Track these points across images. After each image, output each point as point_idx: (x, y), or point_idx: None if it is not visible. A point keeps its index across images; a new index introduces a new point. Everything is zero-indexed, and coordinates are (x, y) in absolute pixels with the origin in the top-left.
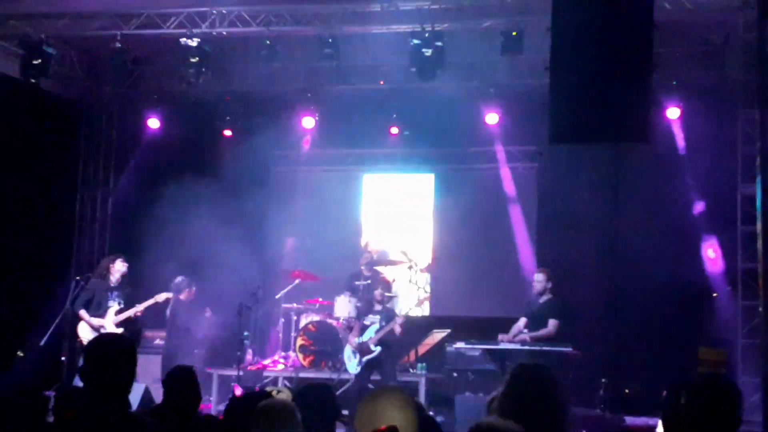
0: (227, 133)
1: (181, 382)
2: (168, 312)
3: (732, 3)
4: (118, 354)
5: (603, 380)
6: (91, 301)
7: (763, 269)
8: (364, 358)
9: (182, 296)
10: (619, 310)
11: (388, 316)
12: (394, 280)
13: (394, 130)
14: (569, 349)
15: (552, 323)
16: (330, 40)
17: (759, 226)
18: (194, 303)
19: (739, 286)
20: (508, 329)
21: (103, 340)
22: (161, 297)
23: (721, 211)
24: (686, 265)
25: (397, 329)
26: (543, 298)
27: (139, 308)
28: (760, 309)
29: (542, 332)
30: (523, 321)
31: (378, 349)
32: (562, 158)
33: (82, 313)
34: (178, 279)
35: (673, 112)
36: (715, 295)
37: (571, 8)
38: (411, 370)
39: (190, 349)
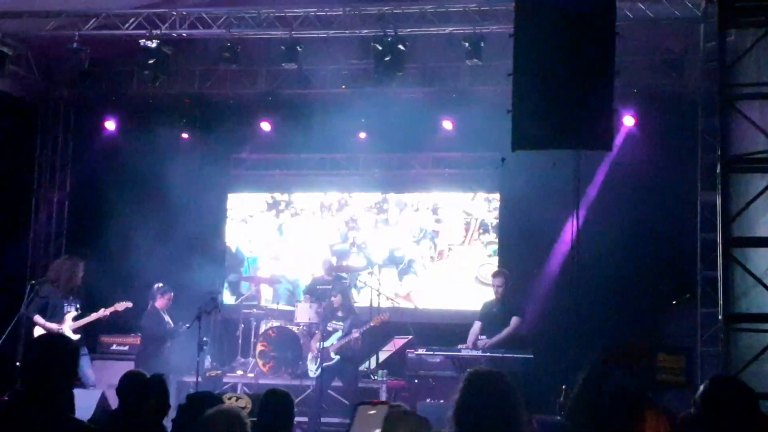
0: (184, 135)
1: (134, 387)
2: (142, 319)
3: (692, 13)
4: (58, 355)
5: (563, 387)
6: (47, 307)
7: (722, 277)
8: (324, 365)
9: (157, 303)
10: (580, 316)
11: (352, 324)
12: (355, 286)
13: (362, 135)
14: (530, 356)
15: (515, 320)
16: (292, 44)
17: (718, 234)
18: (168, 310)
19: (699, 294)
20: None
21: (43, 340)
22: (121, 306)
23: (681, 218)
24: (646, 272)
25: (356, 344)
26: (502, 300)
27: (100, 314)
28: (720, 316)
29: (504, 333)
30: (478, 325)
31: (337, 357)
32: (525, 164)
33: (37, 318)
34: (155, 286)
35: (633, 120)
36: (674, 302)
37: (534, 16)
38: (372, 377)
39: (163, 355)
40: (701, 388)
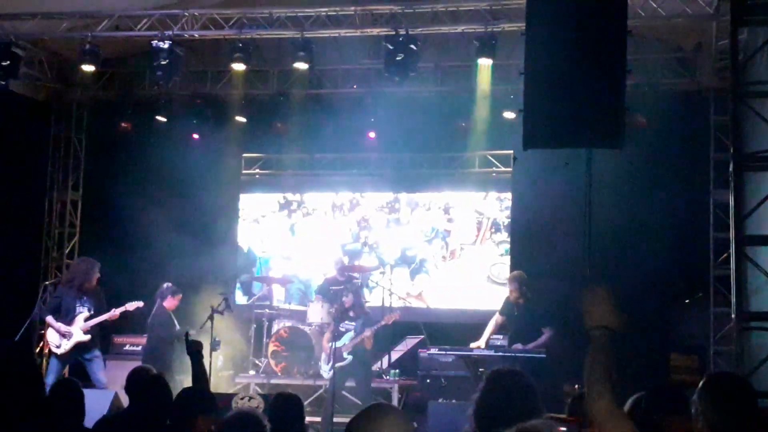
0: (196, 136)
1: (143, 385)
2: (150, 318)
3: (704, 11)
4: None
5: (576, 386)
6: (60, 308)
7: (735, 276)
8: (337, 365)
9: (166, 303)
10: None
11: (364, 323)
12: (367, 286)
13: (372, 135)
14: (542, 356)
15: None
16: (303, 44)
17: (731, 233)
18: (177, 311)
19: (711, 293)
20: (480, 335)
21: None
22: (131, 306)
23: (694, 217)
24: (659, 271)
25: (367, 344)
26: (523, 303)
27: (110, 315)
28: (732, 316)
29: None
30: (499, 318)
31: (350, 357)
32: (537, 163)
33: (49, 319)
34: (164, 286)
35: (645, 119)
36: (687, 301)
37: (545, 14)
38: (384, 376)
39: (170, 356)
40: (699, 385)
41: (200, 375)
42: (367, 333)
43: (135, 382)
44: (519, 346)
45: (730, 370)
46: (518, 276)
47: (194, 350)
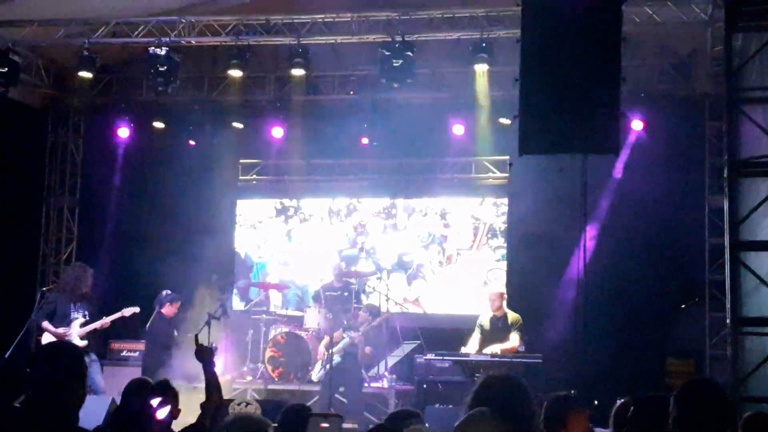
0: (192, 142)
1: (137, 394)
2: (148, 325)
3: (699, 17)
4: (64, 365)
5: (572, 391)
6: (54, 313)
7: (729, 281)
8: (326, 366)
9: (164, 310)
10: (588, 321)
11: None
12: (365, 291)
13: (365, 140)
14: (539, 361)
15: (514, 338)
16: (300, 50)
17: (726, 238)
18: (175, 318)
19: (707, 298)
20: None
21: (48, 348)
22: (128, 311)
23: (690, 222)
24: (654, 276)
25: (367, 352)
26: (501, 315)
27: (106, 321)
28: (728, 321)
29: (508, 346)
30: (477, 339)
31: (339, 358)
32: (532, 169)
33: (45, 324)
34: (163, 293)
35: (641, 124)
36: (683, 306)
37: (540, 21)
38: (380, 382)
39: (169, 362)
40: (676, 391)
41: (213, 383)
42: (356, 337)
43: (134, 392)
44: (497, 349)
45: (701, 376)
46: (500, 292)
47: (204, 357)
